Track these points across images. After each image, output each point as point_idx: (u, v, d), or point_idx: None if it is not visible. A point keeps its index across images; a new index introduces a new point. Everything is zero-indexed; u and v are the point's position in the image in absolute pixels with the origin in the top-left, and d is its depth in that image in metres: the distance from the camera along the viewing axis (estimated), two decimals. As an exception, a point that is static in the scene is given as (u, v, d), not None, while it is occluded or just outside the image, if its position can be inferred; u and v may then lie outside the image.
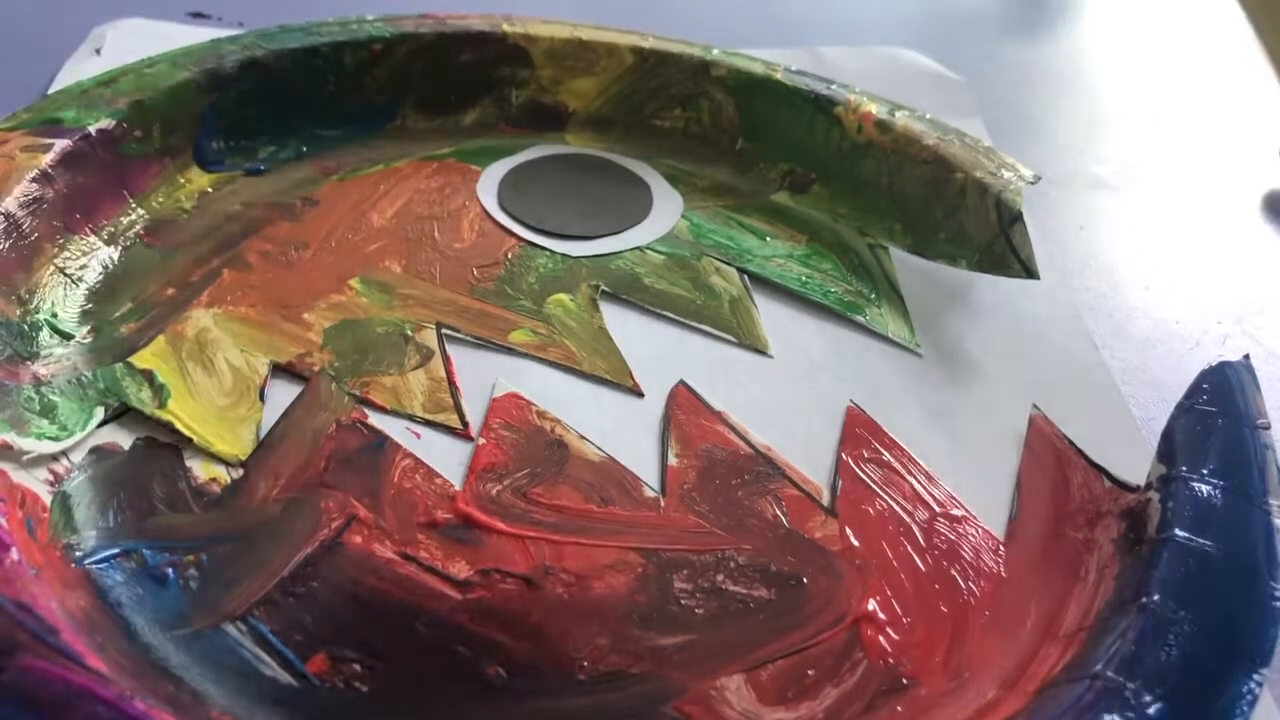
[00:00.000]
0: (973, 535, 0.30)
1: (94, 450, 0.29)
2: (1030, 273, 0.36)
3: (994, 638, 0.27)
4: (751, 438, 0.32)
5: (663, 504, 0.30)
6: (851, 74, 0.47)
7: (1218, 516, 0.27)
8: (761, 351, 0.35)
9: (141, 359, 0.32)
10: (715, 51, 0.44)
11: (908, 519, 0.30)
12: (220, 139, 0.40)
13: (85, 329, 0.33)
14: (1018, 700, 0.25)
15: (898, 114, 0.41)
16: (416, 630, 0.26)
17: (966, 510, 0.30)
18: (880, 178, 0.41)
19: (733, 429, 0.32)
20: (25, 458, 0.28)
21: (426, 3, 0.47)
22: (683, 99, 0.44)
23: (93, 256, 0.35)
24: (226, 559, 0.27)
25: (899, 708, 0.25)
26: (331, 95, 0.42)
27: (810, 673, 0.26)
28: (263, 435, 0.30)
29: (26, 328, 0.32)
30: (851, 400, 0.34)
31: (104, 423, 0.30)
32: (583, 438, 0.31)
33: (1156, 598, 0.25)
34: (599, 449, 0.31)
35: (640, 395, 0.33)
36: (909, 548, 0.29)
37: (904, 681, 0.26)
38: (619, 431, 0.32)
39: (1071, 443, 0.32)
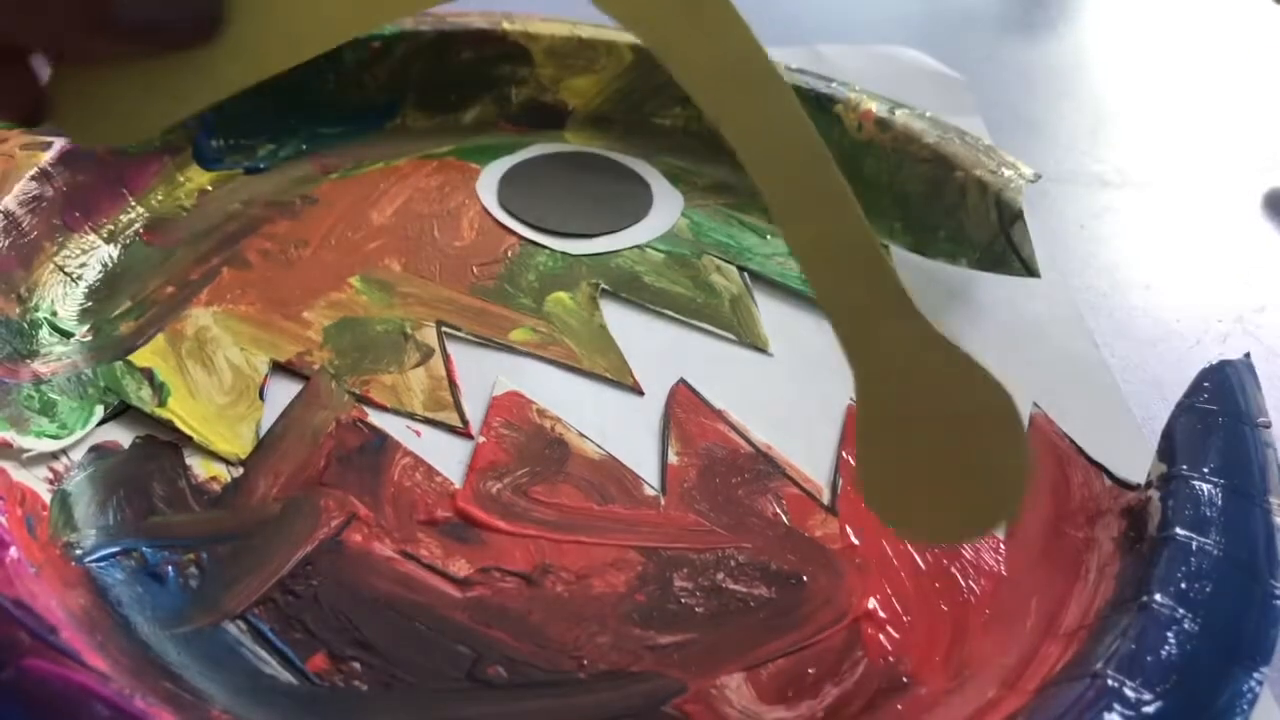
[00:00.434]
0: (973, 534, 0.30)
1: (94, 448, 0.29)
2: (1031, 271, 0.36)
3: (994, 636, 0.27)
4: (752, 436, 0.32)
5: (663, 502, 0.30)
6: (851, 72, 0.47)
7: (1218, 515, 0.26)
8: (762, 350, 0.35)
9: (141, 357, 0.32)
10: (715, 50, 0.44)
11: (908, 517, 0.30)
12: (220, 137, 0.40)
13: (85, 327, 0.33)
14: (1018, 699, 0.25)
15: (898, 112, 0.41)
16: (416, 628, 0.26)
17: (967, 509, 0.30)
18: (880, 176, 0.40)
19: (733, 427, 0.32)
20: (25, 456, 0.28)
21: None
22: (683, 97, 0.43)
23: (92, 255, 0.35)
24: (226, 557, 0.27)
25: (899, 706, 0.25)
26: (331, 93, 0.42)
27: (810, 671, 0.26)
28: (262, 434, 0.30)
29: (26, 326, 0.32)
30: (852, 399, 0.33)
31: (104, 421, 0.30)
32: (583, 436, 0.31)
33: (1157, 596, 0.25)
34: (599, 447, 0.31)
35: (640, 393, 0.33)
36: (909, 546, 0.29)
37: (904, 680, 0.26)
38: (619, 430, 0.32)
39: (1072, 441, 0.32)
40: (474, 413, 0.32)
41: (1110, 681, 0.23)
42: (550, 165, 0.42)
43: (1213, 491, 0.27)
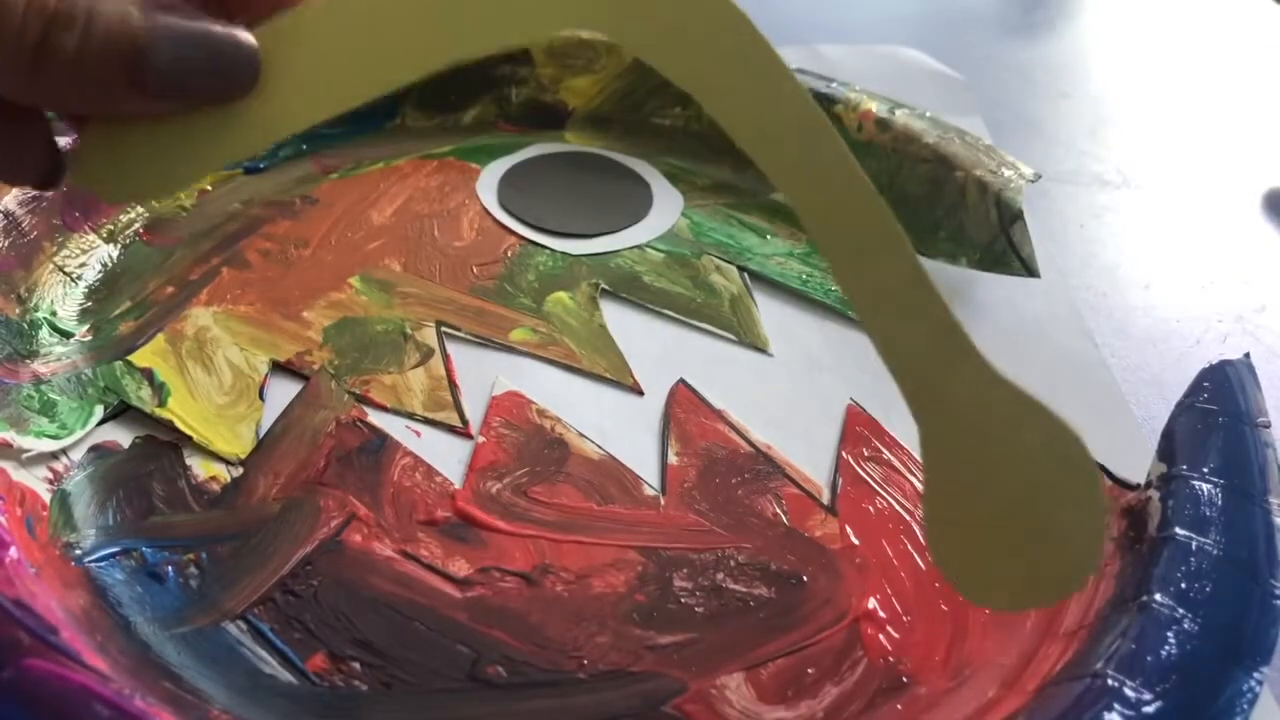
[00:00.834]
0: (973, 534, 0.30)
1: (93, 448, 0.29)
2: (1031, 271, 0.36)
3: (994, 636, 0.27)
4: (752, 436, 0.32)
5: (663, 502, 0.30)
6: (851, 72, 0.47)
7: (1218, 515, 0.26)
8: (762, 350, 0.35)
9: (141, 357, 0.32)
10: (715, 50, 0.44)
11: (908, 517, 0.30)
12: (220, 137, 0.40)
13: (84, 327, 0.33)
14: (1018, 699, 0.25)
15: (897, 112, 0.41)
16: (416, 628, 0.26)
17: (967, 509, 0.30)
18: (880, 176, 0.40)
19: (733, 427, 0.32)
20: (25, 456, 0.28)
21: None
22: (683, 97, 0.43)
23: (92, 255, 0.35)
24: (226, 557, 0.27)
25: (899, 706, 0.25)
26: (331, 93, 0.42)
27: (810, 671, 0.26)
28: (262, 434, 0.30)
29: (26, 326, 0.32)
30: (852, 399, 0.34)
31: (103, 421, 0.30)
32: (582, 436, 0.31)
33: (1157, 596, 0.25)
34: (599, 447, 0.31)
35: (640, 393, 0.33)
36: (909, 546, 0.29)
37: (904, 680, 0.26)
38: (619, 430, 0.32)
39: (1072, 441, 0.32)
40: (474, 413, 0.32)
41: (1110, 681, 0.23)
42: (550, 165, 0.42)
43: (1213, 491, 0.27)
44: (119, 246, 0.36)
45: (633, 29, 0.23)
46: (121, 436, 0.30)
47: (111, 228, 0.36)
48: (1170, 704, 0.22)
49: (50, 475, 0.28)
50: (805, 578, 0.28)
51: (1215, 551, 0.26)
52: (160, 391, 0.31)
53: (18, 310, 0.32)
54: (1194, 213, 0.46)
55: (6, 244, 0.33)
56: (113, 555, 0.27)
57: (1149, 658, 0.23)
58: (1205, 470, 0.28)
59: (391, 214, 0.39)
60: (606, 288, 0.37)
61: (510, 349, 0.34)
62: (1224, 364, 0.30)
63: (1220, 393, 0.30)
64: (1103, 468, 0.31)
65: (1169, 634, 0.24)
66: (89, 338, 0.32)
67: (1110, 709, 0.22)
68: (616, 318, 0.36)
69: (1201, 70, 0.59)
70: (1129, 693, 0.23)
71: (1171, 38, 0.62)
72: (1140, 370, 0.37)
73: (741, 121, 0.23)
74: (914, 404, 0.24)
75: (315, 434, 0.31)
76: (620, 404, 0.33)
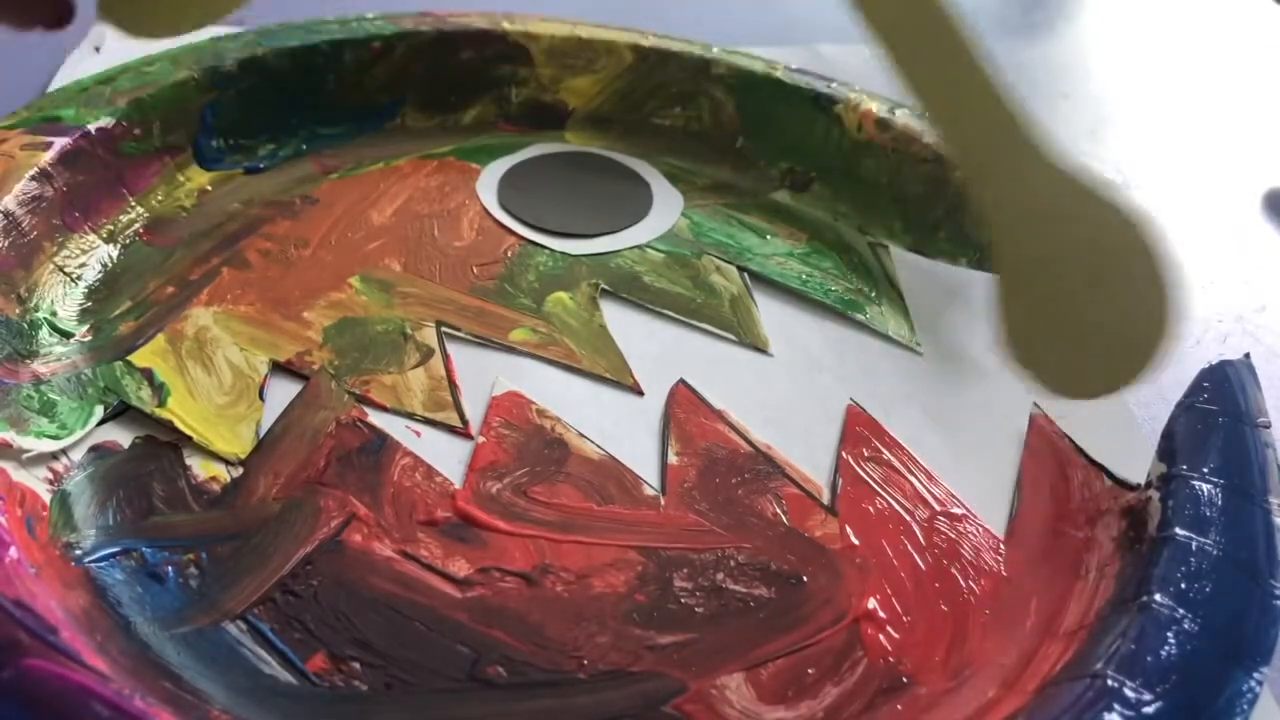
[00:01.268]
0: (973, 534, 0.30)
1: (93, 448, 0.29)
2: (1030, 271, 0.36)
3: (994, 636, 0.27)
4: (752, 436, 0.32)
5: (663, 502, 0.30)
6: (852, 72, 0.47)
7: (1218, 515, 0.27)
8: (762, 350, 0.35)
9: (141, 357, 0.32)
10: (715, 50, 0.44)
11: (908, 517, 0.30)
12: (220, 137, 0.40)
13: (84, 327, 0.33)
14: (1018, 699, 0.25)
15: (898, 112, 0.41)
16: (416, 628, 0.26)
17: (967, 509, 0.30)
18: (880, 176, 0.41)
19: (733, 427, 0.32)
20: (25, 456, 0.28)
21: (427, 0, 0.47)
22: (683, 97, 0.44)
23: (92, 255, 0.35)
24: (226, 557, 0.27)
25: (899, 706, 0.25)
26: (331, 93, 0.42)
27: (810, 671, 0.26)
28: (262, 434, 0.30)
29: (26, 326, 0.32)
30: (852, 399, 0.34)
31: (103, 421, 0.30)
32: (582, 436, 0.31)
33: (1157, 596, 0.25)
34: (599, 447, 0.31)
35: (640, 393, 0.33)
36: (909, 546, 0.29)
37: (904, 680, 0.26)
38: (619, 430, 0.32)
39: (1072, 441, 0.32)
40: (474, 413, 0.32)
41: (1110, 681, 0.23)
42: (550, 165, 0.42)
43: (1213, 491, 0.27)
44: (119, 246, 0.36)
45: None
46: (121, 436, 0.30)
47: (111, 228, 0.36)
48: (1170, 704, 0.22)
49: (50, 475, 0.28)
50: (805, 578, 0.28)
51: (1215, 551, 0.26)
52: (160, 391, 0.31)
53: (18, 310, 0.32)
54: (1194, 213, 0.46)
55: (6, 244, 0.33)
56: (113, 555, 0.27)
57: (1149, 658, 0.23)
58: (1205, 470, 0.28)
59: (391, 214, 0.39)
60: (606, 288, 0.37)
61: (510, 349, 0.34)
62: (1224, 364, 0.31)
63: (1220, 393, 0.30)
64: (1102, 467, 0.31)
65: (1169, 634, 0.24)
66: (89, 338, 0.32)
67: (1110, 709, 0.22)
68: (616, 318, 0.36)
69: (1201, 70, 0.59)
70: (1129, 693, 0.23)
71: (1171, 38, 0.63)
72: None
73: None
74: (983, 208, 0.24)
75: (315, 434, 0.31)
76: (620, 404, 0.33)
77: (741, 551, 0.29)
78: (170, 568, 0.27)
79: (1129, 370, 0.24)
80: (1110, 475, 0.31)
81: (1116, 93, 0.56)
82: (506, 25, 0.44)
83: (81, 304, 0.34)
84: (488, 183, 0.41)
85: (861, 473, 0.31)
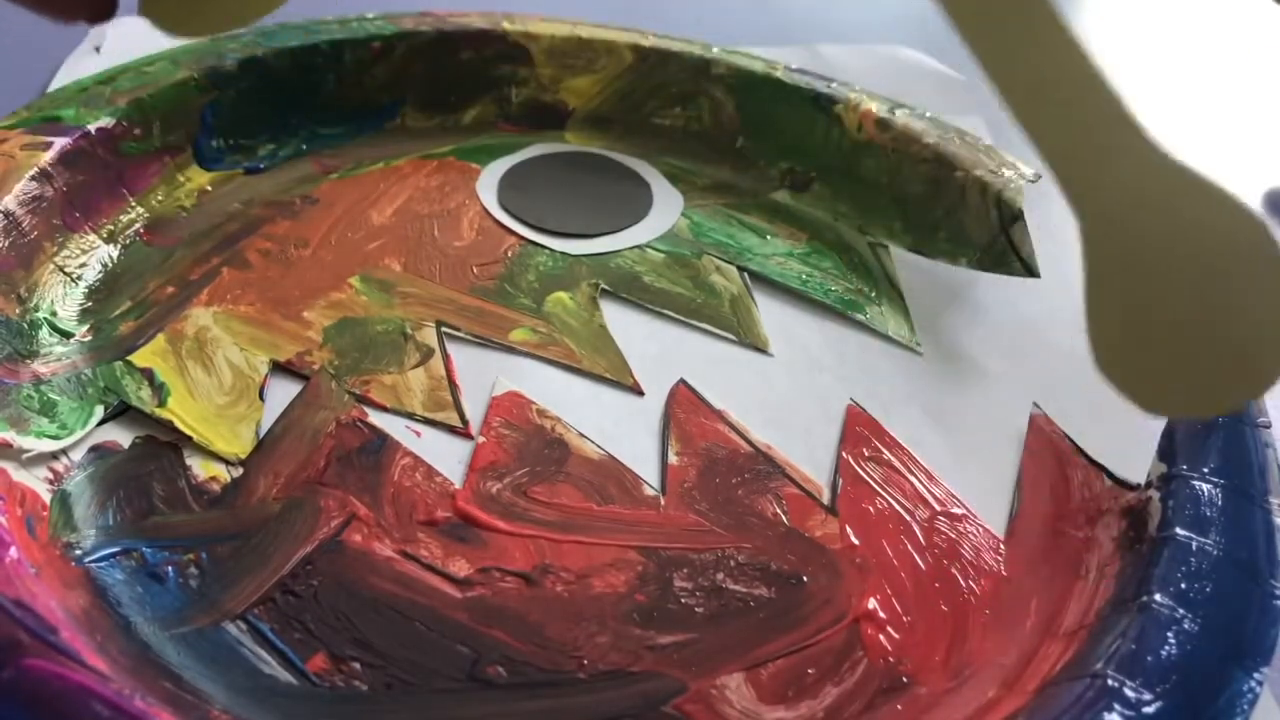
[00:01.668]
0: (973, 534, 0.30)
1: (94, 448, 0.29)
2: (1031, 271, 0.36)
3: (994, 636, 0.27)
4: (752, 436, 0.32)
5: (663, 502, 0.30)
6: (852, 72, 0.47)
7: (1218, 515, 0.27)
8: (762, 350, 0.35)
9: (141, 357, 0.32)
10: (715, 50, 0.44)
11: (908, 517, 0.30)
12: (220, 137, 0.40)
13: (84, 327, 0.33)
14: (1018, 699, 0.25)
15: (898, 112, 0.41)
16: (416, 628, 0.26)
17: (967, 509, 0.30)
18: (880, 176, 0.41)
19: (733, 427, 0.32)
20: (25, 456, 0.28)
21: (428, 0, 0.47)
22: (683, 97, 0.44)
23: (92, 255, 0.35)
24: (226, 557, 0.27)
25: (899, 706, 0.25)
26: (331, 94, 0.42)
27: (810, 671, 0.26)
28: (262, 434, 0.30)
29: (26, 326, 0.32)
30: (852, 399, 0.34)
31: (104, 421, 0.30)
32: (583, 436, 0.31)
33: (1157, 596, 0.25)
34: (599, 447, 0.31)
35: (640, 394, 0.33)
36: (909, 546, 0.29)
37: (904, 680, 0.26)
38: (619, 430, 0.32)
39: (1072, 441, 0.32)
40: (474, 413, 0.32)
41: (1110, 681, 0.23)
42: (550, 165, 0.42)
43: (1213, 491, 0.27)
44: (119, 246, 0.36)
45: None
46: (121, 436, 0.30)
47: (111, 228, 0.36)
48: (1170, 704, 0.22)
49: (50, 475, 0.28)
50: (805, 578, 0.28)
51: (1215, 551, 0.26)
52: (160, 391, 0.31)
53: (18, 310, 0.32)
54: None
55: (6, 244, 0.33)
56: (113, 555, 0.27)
57: (1149, 658, 0.23)
58: (1205, 470, 0.28)
59: (391, 214, 0.39)
60: (606, 288, 0.37)
61: (510, 349, 0.34)
62: (1224, 364, 0.30)
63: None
64: (1102, 467, 0.31)
65: (1169, 634, 0.24)
66: (89, 338, 0.32)
67: (1110, 709, 0.22)
68: (616, 318, 0.36)
69: (1201, 70, 0.59)
70: (1129, 693, 0.23)
71: (1171, 38, 0.63)
72: None
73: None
74: (1072, 193, 0.21)
75: (315, 434, 0.31)
76: (620, 404, 0.33)
77: (741, 551, 0.29)
78: (170, 568, 0.27)
79: (1242, 384, 0.21)
80: (1110, 475, 0.31)
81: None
82: (506, 25, 0.44)
83: (81, 304, 0.34)
84: (488, 183, 0.41)
85: (862, 473, 0.31)
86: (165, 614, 0.26)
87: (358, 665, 0.25)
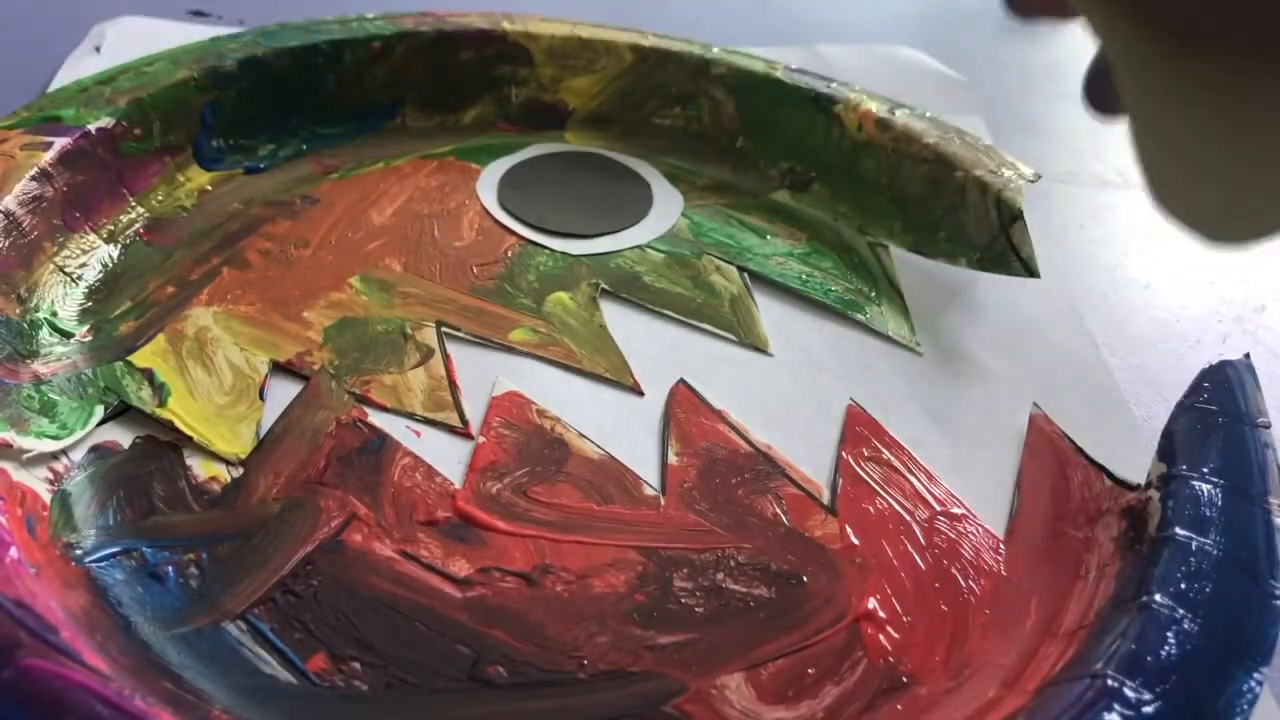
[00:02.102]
0: (973, 534, 0.30)
1: (94, 448, 0.29)
2: (1031, 271, 0.36)
3: (994, 636, 0.27)
4: (752, 436, 0.32)
5: (663, 502, 0.30)
6: (852, 72, 0.47)
7: (1218, 515, 0.26)
8: (762, 350, 0.35)
9: (141, 357, 0.32)
10: (715, 50, 0.44)
11: (908, 518, 0.30)
12: (220, 137, 0.40)
13: (85, 327, 0.33)
14: (1018, 699, 0.25)
15: (898, 112, 0.41)
16: (417, 628, 0.26)
17: (967, 509, 0.30)
18: (880, 176, 0.41)
19: (733, 427, 0.32)
20: (25, 456, 0.28)
21: (427, 0, 0.47)
22: (683, 97, 0.44)
23: (92, 255, 0.35)
24: (226, 557, 0.27)
25: (899, 706, 0.25)
26: (331, 94, 0.42)
27: (810, 671, 0.26)
28: (262, 434, 0.30)
29: (26, 326, 0.32)
30: (852, 399, 0.34)
31: (104, 421, 0.30)
32: (582, 436, 0.31)
33: (1157, 596, 0.25)
34: (599, 447, 0.31)
35: (640, 394, 0.33)
36: (909, 546, 0.29)
37: (904, 680, 0.26)
38: (619, 430, 0.32)
39: (1072, 441, 0.32)
40: (474, 413, 0.32)
41: (1110, 681, 0.23)
42: (550, 165, 0.42)
43: (1212, 491, 0.27)
44: (119, 246, 0.36)
45: None
46: (122, 436, 0.30)
47: (111, 228, 0.36)
48: (1170, 704, 0.22)
49: (50, 475, 0.28)
50: (805, 578, 0.28)
51: (1215, 552, 0.26)
52: (160, 392, 0.31)
53: (18, 310, 0.32)
54: None
55: (6, 244, 0.33)
56: (113, 555, 0.27)
57: (1149, 658, 0.23)
58: (1205, 470, 0.28)
59: (392, 214, 0.39)
60: (606, 288, 0.37)
61: (510, 349, 0.34)
62: (1224, 364, 0.31)
63: (1220, 393, 0.30)
64: (1102, 468, 0.31)
65: (1169, 634, 0.24)
66: (89, 338, 0.32)
67: (1110, 709, 0.22)
68: (616, 318, 0.36)
69: None
70: (1129, 693, 0.23)
71: None
72: (1140, 370, 0.37)
73: None
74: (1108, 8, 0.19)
75: (315, 434, 0.31)
76: (620, 404, 0.33)
77: (741, 551, 0.29)
78: (170, 568, 0.27)
79: None
80: (1110, 475, 0.31)
81: None
82: (506, 25, 0.44)
83: (82, 304, 0.34)
84: (488, 183, 0.41)
85: (861, 473, 0.31)
86: (165, 614, 0.26)
87: (358, 665, 0.25)
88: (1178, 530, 0.26)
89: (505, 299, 0.36)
